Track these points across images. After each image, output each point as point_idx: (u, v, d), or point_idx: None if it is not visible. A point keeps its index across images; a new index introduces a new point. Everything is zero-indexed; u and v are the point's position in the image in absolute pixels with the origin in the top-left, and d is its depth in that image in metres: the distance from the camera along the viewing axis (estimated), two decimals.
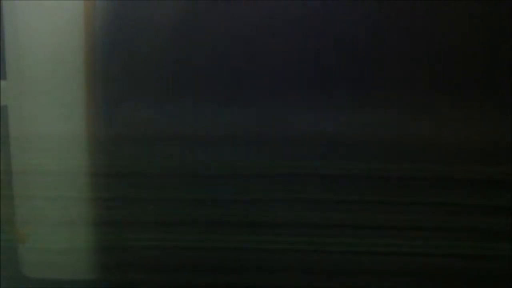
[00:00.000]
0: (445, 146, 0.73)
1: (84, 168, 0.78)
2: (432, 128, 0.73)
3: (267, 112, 0.74)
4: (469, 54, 0.72)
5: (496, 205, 0.74)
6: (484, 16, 0.70)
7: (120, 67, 0.74)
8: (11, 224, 0.81)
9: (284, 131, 0.74)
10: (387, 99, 0.73)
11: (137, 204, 0.77)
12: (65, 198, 0.79)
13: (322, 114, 0.73)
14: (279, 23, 0.72)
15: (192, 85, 0.74)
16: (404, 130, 0.73)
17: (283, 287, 0.77)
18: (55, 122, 0.78)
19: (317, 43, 0.72)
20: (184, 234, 0.77)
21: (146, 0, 0.73)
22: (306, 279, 0.77)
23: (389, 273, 0.76)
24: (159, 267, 0.78)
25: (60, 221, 0.80)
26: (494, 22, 0.71)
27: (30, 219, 0.80)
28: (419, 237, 0.75)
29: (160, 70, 0.74)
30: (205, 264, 0.77)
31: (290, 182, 0.75)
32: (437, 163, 0.73)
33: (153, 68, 0.74)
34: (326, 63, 0.72)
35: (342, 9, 0.71)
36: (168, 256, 0.78)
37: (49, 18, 0.76)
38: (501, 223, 0.74)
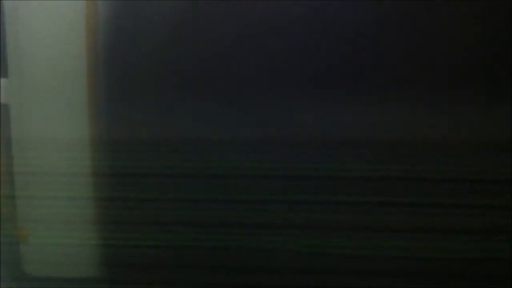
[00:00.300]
0: None
1: (85, 168, 0.78)
2: None
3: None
4: None
5: None
6: None
7: (121, 67, 0.74)
8: (12, 223, 0.81)
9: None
10: None
11: (136, 204, 0.77)
12: (65, 198, 0.79)
13: None
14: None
15: (194, 87, 0.74)
16: None
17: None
18: (56, 122, 0.78)
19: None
20: (186, 234, 0.77)
21: (148, 1, 0.72)
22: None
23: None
24: (159, 266, 0.78)
25: (61, 221, 0.80)
26: None
27: (31, 218, 0.80)
28: None
29: (163, 71, 0.74)
30: (205, 264, 0.78)
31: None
32: None
33: (154, 69, 0.74)
34: None
35: None
36: (167, 256, 0.78)
37: (50, 17, 0.76)
38: None
